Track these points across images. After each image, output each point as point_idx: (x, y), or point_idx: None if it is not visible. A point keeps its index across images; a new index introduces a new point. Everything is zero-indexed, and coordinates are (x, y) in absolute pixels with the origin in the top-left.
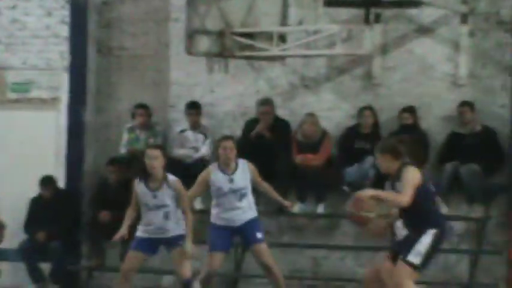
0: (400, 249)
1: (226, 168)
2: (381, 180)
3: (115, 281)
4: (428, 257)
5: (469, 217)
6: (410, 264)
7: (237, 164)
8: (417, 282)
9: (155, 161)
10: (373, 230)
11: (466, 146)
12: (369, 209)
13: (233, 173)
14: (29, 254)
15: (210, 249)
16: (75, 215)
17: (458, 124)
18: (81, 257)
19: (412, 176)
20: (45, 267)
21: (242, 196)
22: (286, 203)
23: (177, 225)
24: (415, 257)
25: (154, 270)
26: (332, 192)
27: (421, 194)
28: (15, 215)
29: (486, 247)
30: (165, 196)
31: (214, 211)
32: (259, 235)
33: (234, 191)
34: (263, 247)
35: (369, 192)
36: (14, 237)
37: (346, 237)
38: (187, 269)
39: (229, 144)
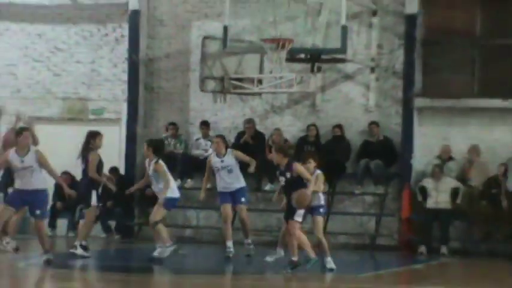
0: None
1: (219, 154)
2: (321, 170)
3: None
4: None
5: (375, 193)
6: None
7: (226, 151)
8: (340, 233)
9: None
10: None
11: (373, 149)
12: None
13: (223, 156)
14: (102, 215)
15: (220, 203)
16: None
17: (369, 135)
18: (134, 217)
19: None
20: (112, 223)
21: (229, 171)
22: (252, 167)
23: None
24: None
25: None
26: None
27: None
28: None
29: (386, 212)
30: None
31: (217, 184)
32: (242, 199)
33: (223, 168)
34: (243, 207)
35: (309, 190)
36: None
37: None
38: None
39: (217, 139)
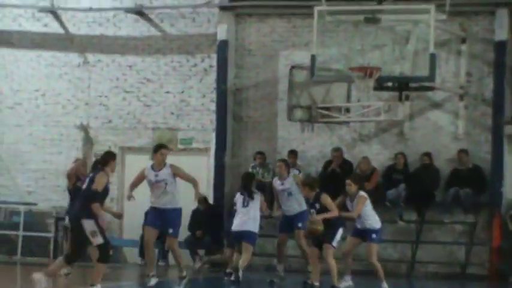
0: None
1: (281, 177)
2: (409, 198)
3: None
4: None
5: (465, 222)
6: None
7: (288, 175)
8: (429, 262)
9: None
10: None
11: (463, 177)
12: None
13: (284, 179)
14: (191, 244)
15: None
16: (220, 221)
17: (458, 163)
18: (223, 246)
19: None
20: (201, 252)
21: (289, 195)
22: None
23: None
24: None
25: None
26: (378, 206)
27: None
28: (184, 220)
29: (476, 241)
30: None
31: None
32: (299, 224)
33: (283, 191)
34: (299, 232)
35: (320, 216)
36: (183, 234)
37: (387, 234)
38: None
39: (279, 163)
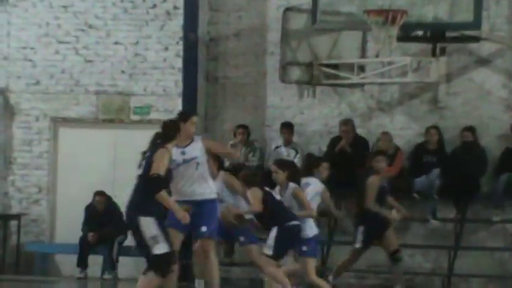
0: None
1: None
2: (445, 189)
3: None
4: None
5: None
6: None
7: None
8: (473, 275)
9: None
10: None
11: None
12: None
13: None
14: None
15: None
16: None
17: None
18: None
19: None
20: None
21: None
22: None
23: None
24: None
25: None
26: (404, 199)
27: None
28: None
29: None
30: None
31: None
32: None
33: None
34: None
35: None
36: None
37: (416, 237)
38: None
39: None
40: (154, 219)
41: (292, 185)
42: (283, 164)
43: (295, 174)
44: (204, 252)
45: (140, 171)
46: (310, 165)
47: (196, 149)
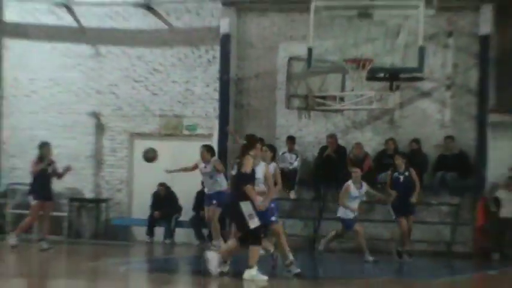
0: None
1: None
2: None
3: None
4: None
5: (450, 203)
6: None
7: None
8: (418, 241)
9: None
10: None
11: (449, 162)
12: None
13: None
14: (195, 223)
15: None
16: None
17: (444, 149)
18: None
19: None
20: (205, 231)
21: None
22: None
23: None
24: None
25: None
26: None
27: None
28: (189, 201)
29: (461, 221)
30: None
31: None
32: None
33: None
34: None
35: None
36: (188, 214)
37: (379, 214)
38: None
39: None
40: (250, 202)
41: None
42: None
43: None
44: (277, 233)
45: (234, 172)
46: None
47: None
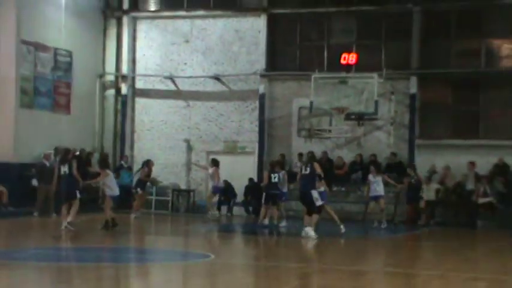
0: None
1: None
2: (364, 179)
3: None
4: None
5: (393, 191)
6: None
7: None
8: (376, 213)
9: None
10: None
11: (392, 167)
12: None
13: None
14: (245, 204)
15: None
16: (260, 191)
17: (390, 160)
18: (261, 205)
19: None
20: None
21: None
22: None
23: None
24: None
25: None
26: (346, 184)
27: None
28: (241, 191)
29: (400, 201)
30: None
31: None
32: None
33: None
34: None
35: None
36: (240, 198)
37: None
38: None
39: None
40: (317, 191)
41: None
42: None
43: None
44: (325, 209)
45: (307, 172)
46: None
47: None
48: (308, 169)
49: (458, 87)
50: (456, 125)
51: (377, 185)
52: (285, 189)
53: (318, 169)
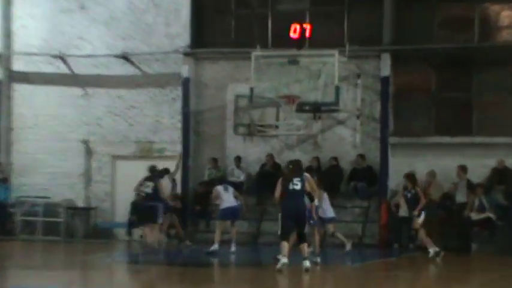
0: None
1: None
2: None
3: None
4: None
5: (361, 206)
6: None
7: None
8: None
9: None
10: None
11: (359, 174)
12: None
13: None
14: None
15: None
16: (184, 207)
17: (356, 164)
18: (187, 225)
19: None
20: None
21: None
22: None
23: None
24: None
25: None
26: None
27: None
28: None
29: (369, 219)
30: None
31: None
32: None
33: None
34: None
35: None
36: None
37: None
38: None
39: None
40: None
41: None
42: None
43: None
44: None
45: (298, 188)
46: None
47: None
48: (298, 185)
49: (443, 68)
50: (442, 118)
51: (324, 202)
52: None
53: (312, 189)
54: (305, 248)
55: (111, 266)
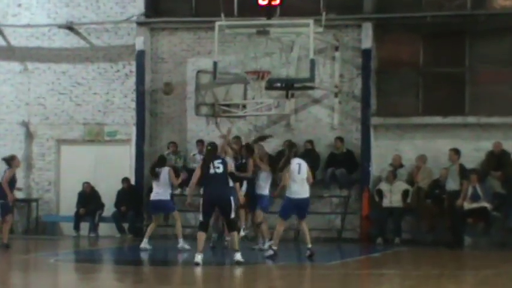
0: None
1: None
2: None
3: None
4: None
5: (340, 195)
6: None
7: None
8: (312, 229)
9: None
10: None
11: (338, 160)
12: None
13: None
14: (117, 218)
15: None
16: (140, 198)
17: (334, 148)
18: (143, 219)
19: None
20: (125, 225)
21: None
22: None
23: None
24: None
25: None
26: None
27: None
28: (110, 198)
29: (349, 211)
30: None
31: None
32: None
33: None
34: None
35: None
36: (110, 210)
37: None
38: None
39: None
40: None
41: None
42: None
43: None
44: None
45: (220, 171)
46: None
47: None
48: (221, 167)
49: (432, 38)
50: (431, 96)
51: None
52: None
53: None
54: (235, 239)
55: (55, 266)
